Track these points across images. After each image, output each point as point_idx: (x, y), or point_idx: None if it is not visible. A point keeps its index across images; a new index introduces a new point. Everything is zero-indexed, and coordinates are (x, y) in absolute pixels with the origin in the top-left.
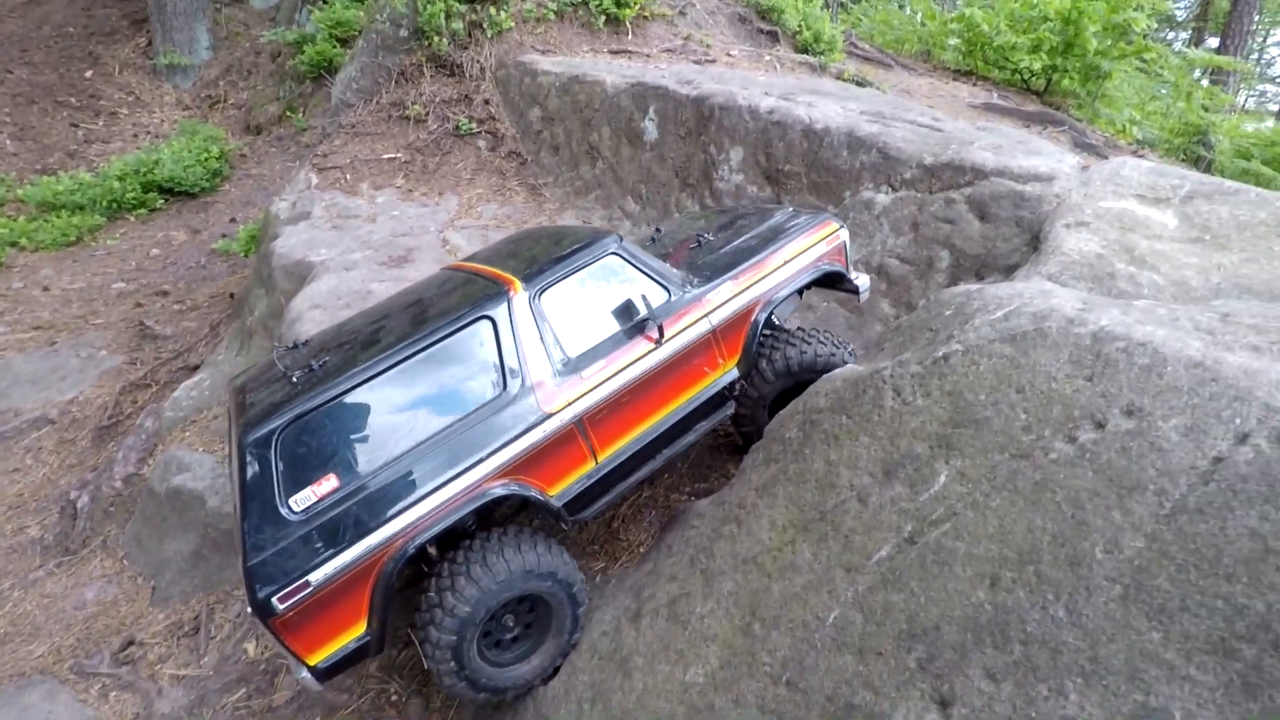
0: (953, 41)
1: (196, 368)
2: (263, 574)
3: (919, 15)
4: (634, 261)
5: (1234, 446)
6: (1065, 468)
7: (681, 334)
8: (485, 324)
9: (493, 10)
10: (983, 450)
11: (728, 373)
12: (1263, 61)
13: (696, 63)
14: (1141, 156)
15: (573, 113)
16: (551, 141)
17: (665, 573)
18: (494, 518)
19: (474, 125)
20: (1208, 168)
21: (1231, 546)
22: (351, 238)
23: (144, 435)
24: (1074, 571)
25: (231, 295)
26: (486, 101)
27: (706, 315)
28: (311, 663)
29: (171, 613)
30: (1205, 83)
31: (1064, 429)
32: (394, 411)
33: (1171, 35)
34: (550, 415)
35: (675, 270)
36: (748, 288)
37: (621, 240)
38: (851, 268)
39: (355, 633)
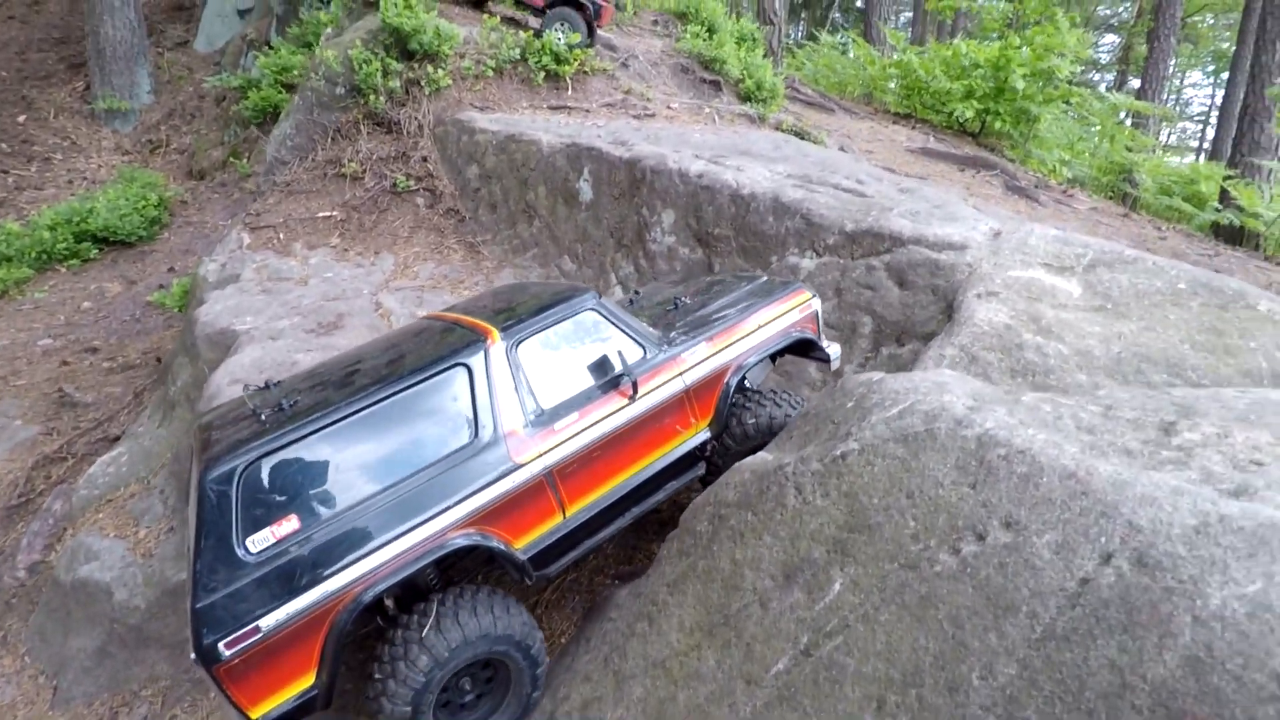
0: (892, 85)
1: (117, 439)
2: (211, 617)
3: (861, 59)
4: (611, 318)
5: (1099, 567)
6: (948, 582)
7: (655, 391)
8: (461, 371)
9: (430, 68)
10: (874, 558)
11: (699, 433)
12: (1181, 101)
13: (636, 118)
14: (1070, 195)
15: (509, 171)
16: (489, 199)
17: (581, 671)
18: (457, 570)
19: (411, 183)
20: (1133, 204)
21: (1093, 679)
22: (280, 303)
23: (51, 519)
24: (952, 698)
25: (159, 359)
26: (424, 159)
27: (680, 374)
28: (254, 715)
29: (74, 717)
30: (1129, 124)
31: (949, 540)
32: (362, 455)
33: (1096, 77)
34: (520, 466)
35: (651, 329)
36: (721, 349)
37: (600, 297)
38: (823, 336)
39: (303, 685)
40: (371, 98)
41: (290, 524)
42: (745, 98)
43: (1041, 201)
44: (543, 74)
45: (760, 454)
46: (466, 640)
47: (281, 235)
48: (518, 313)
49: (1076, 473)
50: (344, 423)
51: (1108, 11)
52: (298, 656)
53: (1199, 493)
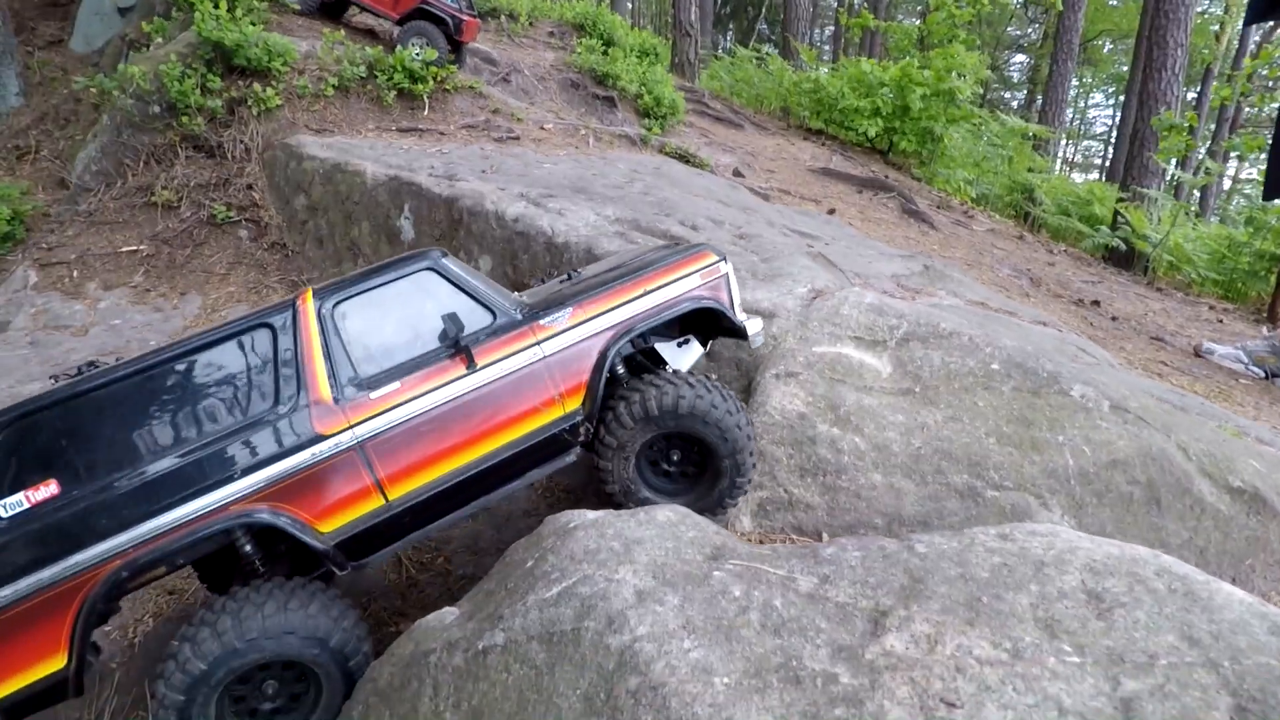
0: (804, 101)
1: None
2: None
3: (775, 73)
4: (453, 279)
5: None
6: None
7: (501, 362)
8: (263, 332)
9: (257, 87)
10: None
11: (567, 414)
12: (1086, 120)
13: (498, 140)
14: (971, 216)
15: (335, 204)
16: (316, 233)
17: None
18: (279, 554)
19: (233, 213)
20: (1033, 224)
21: None
22: (43, 359)
23: None
24: None
25: None
26: (250, 186)
27: (538, 343)
28: None
29: None
30: (1030, 145)
31: None
32: (148, 420)
33: (1008, 95)
34: (324, 436)
35: (510, 295)
36: (593, 316)
37: (445, 255)
38: (737, 306)
39: (51, 667)
40: (187, 119)
41: (48, 489)
42: (644, 113)
43: (936, 225)
44: (394, 93)
45: (444, 611)
46: (266, 634)
47: (75, 273)
48: (346, 276)
49: None
50: (124, 384)
51: (1017, 32)
52: (43, 635)
53: None
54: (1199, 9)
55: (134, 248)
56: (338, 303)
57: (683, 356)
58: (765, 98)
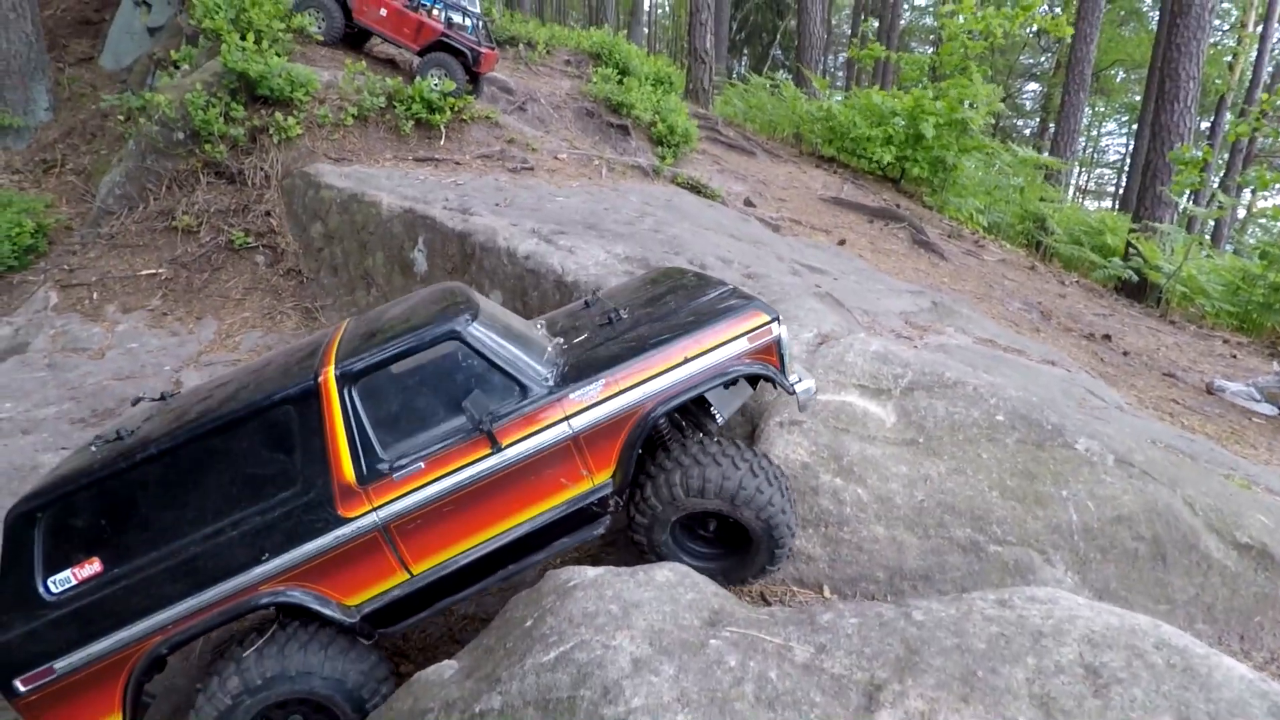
0: (817, 129)
1: None
2: (6, 654)
3: (788, 100)
4: (480, 348)
5: None
6: None
7: (529, 439)
8: (288, 411)
9: (279, 116)
10: None
11: (595, 486)
12: (1099, 149)
13: (512, 171)
14: (982, 246)
15: (351, 233)
16: (331, 261)
17: None
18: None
19: (251, 239)
20: (1045, 252)
21: None
22: (60, 383)
23: None
24: None
25: None
26: (268, 213)
27: (566, 419)
28: None
29: None
30: (1041, 175)
31: None
32: (179, 498)
33: (1020, 123)
34: (348, 521)
35: (536, 362)
36: (625, 390)
37: (473, 320)
38: (789, 368)
39: None
40: (210, 146)
41: (92, 566)
42: (658, 141)
43: (947, 256)
44: (412, 123)
45: (443, 665)
46: (285, 674)
47: (95, 295)
48: (373, 340)
49: None
50: (156, 464)
51: (1030, 60)
52: (99, 699)
53: None
54: (1212, 40)
55: (153, 271)
56: (360, 379)
57: (730, 401)
58: (778, 124)
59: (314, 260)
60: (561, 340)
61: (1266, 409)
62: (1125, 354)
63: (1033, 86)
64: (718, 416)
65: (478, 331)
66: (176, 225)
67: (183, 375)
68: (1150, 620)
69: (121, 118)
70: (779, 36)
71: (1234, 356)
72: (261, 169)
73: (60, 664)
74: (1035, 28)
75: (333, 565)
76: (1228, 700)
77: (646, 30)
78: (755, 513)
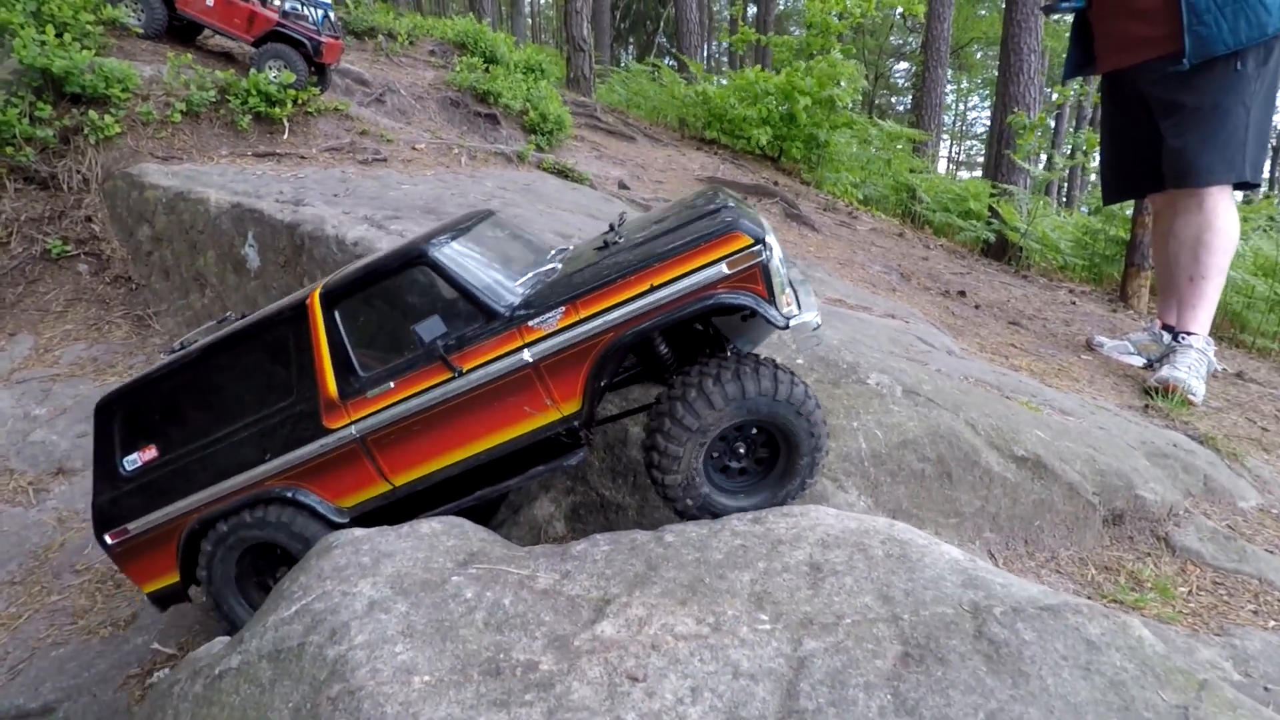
0: (698, 112)
1: None
2: (98, 515)
3: (667, 86)
4: (450, 274)
5: None
6: None
7: (488, 366)
8: (284, 332)
9: (94, 115)
10: None
11: (563, 417)
12: (967, 122)
13: (363, 163)
14: (855, 217)
15: (180, 234)
16: (162, 265)
17: None
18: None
19: (71, 247)
20: (916, 220)
21: None
22: None
23: None
24: None
25: None
26: (89, 218)
27: (526, 347)
28: (145, 590)
29: None
30: (911, 147)
31: None
32: (208, 398)
33: (894, 100)
34: (331, 431)
35: (511, 289)
36: (586, 318)
37: (447, 243)
38: (779, 297)
39: (171, 580)
40: (13, 150)
41: (151, 452)
42: (530, 129)
43: (818, 227)
44: (249, 117)
45: (212, 642)
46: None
47: None
48: (353, 268)
49: None
50: (192, 369)
51: (899, 41)
52: (162, 558)
53: None
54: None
55: None
56: (340, 300)
57: (750, 334)
58: (662, 110)
59: (144, 265)
60: (560, 267)
61: (1137, 359)
62: (976, 307)
63: (903, 65)
64: (736, 350)
65: (449, 254)
66: None
67: None
68: (888, 521)
69: None
70: (662, 25)
71: (1074, 304)
72: (78, 171)
73: (132, 526)
74: (899, 9)
75: (321, 470)
76: (926, 578)
77: (530, 21)
78: (811, 428)
